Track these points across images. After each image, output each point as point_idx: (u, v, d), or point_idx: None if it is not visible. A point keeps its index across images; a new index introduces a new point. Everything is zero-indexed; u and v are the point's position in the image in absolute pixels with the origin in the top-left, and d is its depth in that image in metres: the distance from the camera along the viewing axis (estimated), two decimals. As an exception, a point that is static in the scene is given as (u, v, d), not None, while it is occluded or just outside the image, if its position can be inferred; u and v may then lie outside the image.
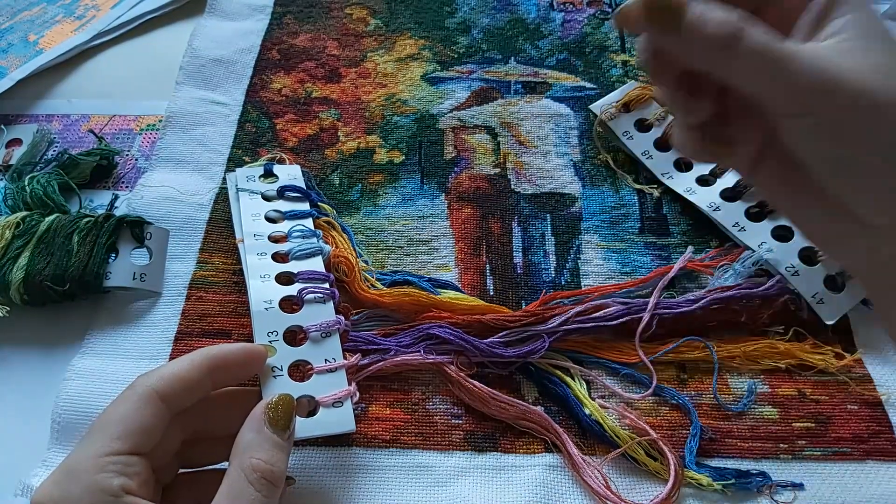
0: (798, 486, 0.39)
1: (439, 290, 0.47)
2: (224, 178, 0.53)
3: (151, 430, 0.32)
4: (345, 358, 0.40)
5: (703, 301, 0.44)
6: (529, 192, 0.53)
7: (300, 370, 0.39)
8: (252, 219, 0.47)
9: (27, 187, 0.50)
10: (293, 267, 0.44)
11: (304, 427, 0.37)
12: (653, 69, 0.33)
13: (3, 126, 0.57)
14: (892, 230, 0.32)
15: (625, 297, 0.45)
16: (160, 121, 0.57)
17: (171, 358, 0.44)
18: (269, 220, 0.47)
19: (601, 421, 0.41)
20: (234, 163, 0.54)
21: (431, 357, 0.43)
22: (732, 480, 0.38)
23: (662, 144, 0.53)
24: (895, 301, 0.33)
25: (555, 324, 0.44)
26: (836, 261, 0.44)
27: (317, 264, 0.44)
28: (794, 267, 0.45)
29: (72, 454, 0.32)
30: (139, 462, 0.32)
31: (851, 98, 0.28)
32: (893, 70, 0.29)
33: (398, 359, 0.42)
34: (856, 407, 0.42)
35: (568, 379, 0.43)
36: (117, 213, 0.50)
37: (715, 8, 0.29)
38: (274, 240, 0.46)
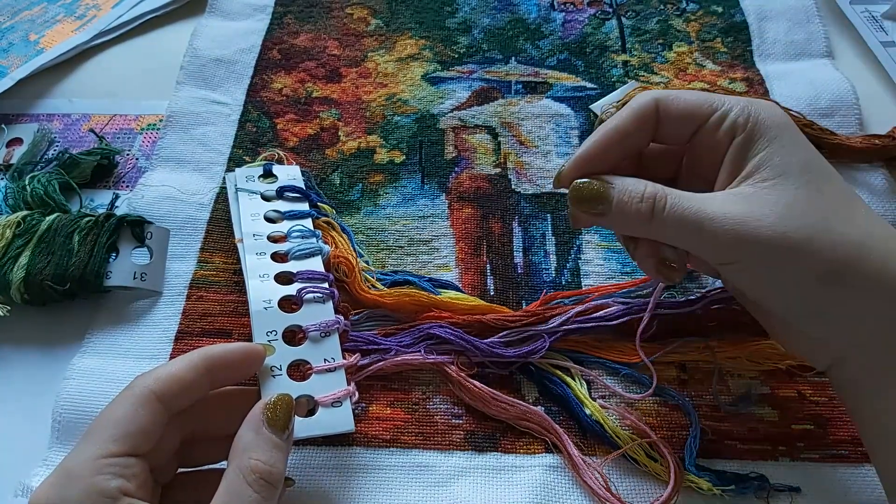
0: (795, 490, 0.38)
1: (440, 290, 0.47)
2: (224, 178, 0.53)
3: (149, 431, 0.32)
4: (344, 358, 0.40)
5: (703, 301, 0.44)
6: (530, 192, 0.53)
7: (299, 370, 0.39)
8: (251, 218, 0.47)
9: (28, 187, 0.50)
10: (292, 267, 0.44)
11: (302, 427, 0.37)
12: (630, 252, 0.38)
13: (3, 125, 0.57)
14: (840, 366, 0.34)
15: (625, 297, 0.45)
16: (161, 120, 0.57)
17: (172, 357, 0.44)
18: (269, 220, 0.47)
19: (602, 421, 0.41)
20: (234, 162, 0.54)
21: (432, 357, 0.43)
22: (732, 486, 0.38)
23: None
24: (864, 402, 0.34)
25: (555, 324, 0.44)
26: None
27: (316, 264, 0.44)
28: (794, 267, 0.45)
29: (69, 456, 0.32)
30: (137, 463, 0.32)
31: (768, 246, 0.30)
32: (806, 205, 0.31)
33: (398, 359, 0.42)
34: (856, 408, 0.42)
35: (568, 379, 0.43)
36: (118, 212, 0.50)
37: (634, 183, 0.33)
38: (273, 240, 0.46)
